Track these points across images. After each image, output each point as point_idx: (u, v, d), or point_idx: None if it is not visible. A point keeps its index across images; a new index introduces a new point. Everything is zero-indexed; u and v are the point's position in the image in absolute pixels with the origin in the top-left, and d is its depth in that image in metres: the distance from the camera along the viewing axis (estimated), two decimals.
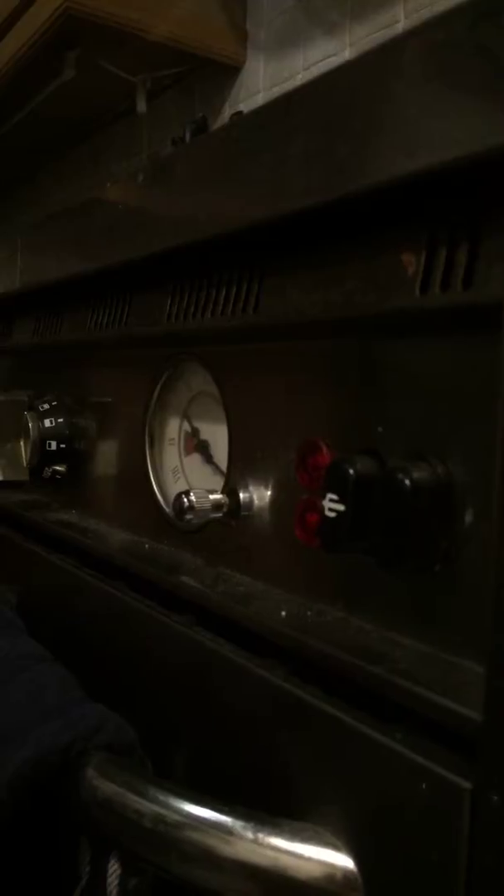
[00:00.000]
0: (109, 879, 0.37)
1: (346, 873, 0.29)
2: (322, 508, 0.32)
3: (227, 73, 1.38)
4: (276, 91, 1.30)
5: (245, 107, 1.36)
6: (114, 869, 0.37)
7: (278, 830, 0.31)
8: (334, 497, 0.32)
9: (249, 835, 0.31)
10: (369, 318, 0.30)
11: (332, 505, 0.32)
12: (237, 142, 0.33)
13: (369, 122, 0.28)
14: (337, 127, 0.29)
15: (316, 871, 0.30)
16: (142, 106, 1.46)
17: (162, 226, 0.39)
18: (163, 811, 0.33)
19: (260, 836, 0.31)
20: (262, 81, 1.33)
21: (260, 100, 1.34)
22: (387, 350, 0.31)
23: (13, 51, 1.40)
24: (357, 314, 0.30)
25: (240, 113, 1.31)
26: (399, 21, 1.09)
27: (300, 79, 1.26)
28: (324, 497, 0.32)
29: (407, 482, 0.29)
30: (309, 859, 0.30)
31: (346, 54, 1.18)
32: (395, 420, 0.31)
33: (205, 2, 1.31)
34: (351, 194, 0.29)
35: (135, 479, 0.50)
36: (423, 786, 0.26)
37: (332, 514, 0.32)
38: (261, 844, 0.31)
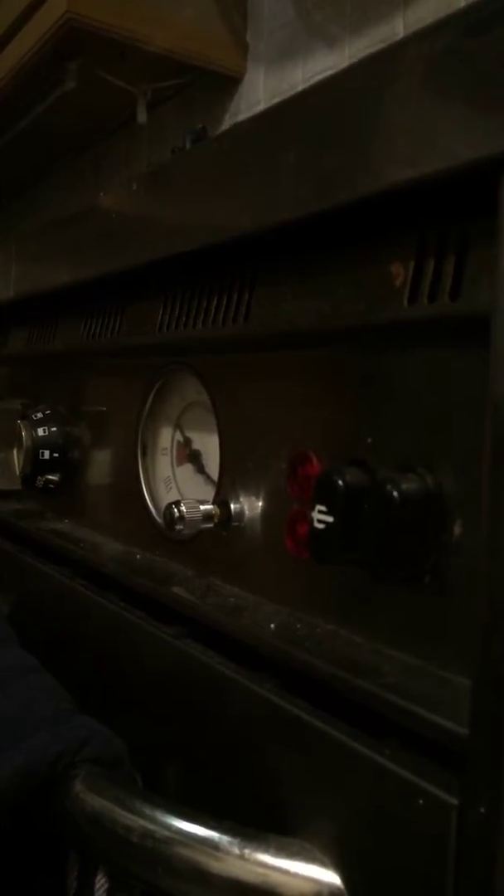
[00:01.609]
0: (97, 894, 0.37)
1: (332, 890, 0.29)
2: (312, 519, 0.32)
3: (227, 84, 1.39)
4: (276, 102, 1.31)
5: (245, 118, 1.37)
6: (101, 883, 0.37)
7: (265, 846, 0.30)
8: (323, 508, 0.31)
9: (236, 850, 0.30)
10: (358, 329, 0.30)
11: (321, 516, 0.31)
12: (229, 152, 0.33)
13: (359, 134, 0.28)
14: (327, 138, 0.29)
15: (303, 888, 0.30)
16: (142, 117, 1.47)
17: (155, 235, 0.39)
18: (151, 826, 0.33)
19: (247, 851, 0.30)
20: (263, 93, 1.34)
21: (260, 111, 1.35)
22: (376, 360, 0.31)
23: (14, 61, 1.41)
24: (346, 324, 0.30)
25: None
26: (398, 34, 1.10)
27: (300, 90, 1.27)
28: (313, 508, 0.32)
29: (396, 493, 0.29)
30: (296, 875, 0.30)
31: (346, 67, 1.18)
32: (384, 431, 0.31)
33: (206, 14, 1.32)
34: (340, 205, 0.29)
35: (127, 488, 0.49)
36: (410, 802, 0.26)
37: (322, 526, 0.31)
38: (248, 860, 0.30)
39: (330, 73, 1.25)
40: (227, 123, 1.39)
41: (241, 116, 1.38)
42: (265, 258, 0.34)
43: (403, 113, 0.26)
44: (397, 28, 1.11)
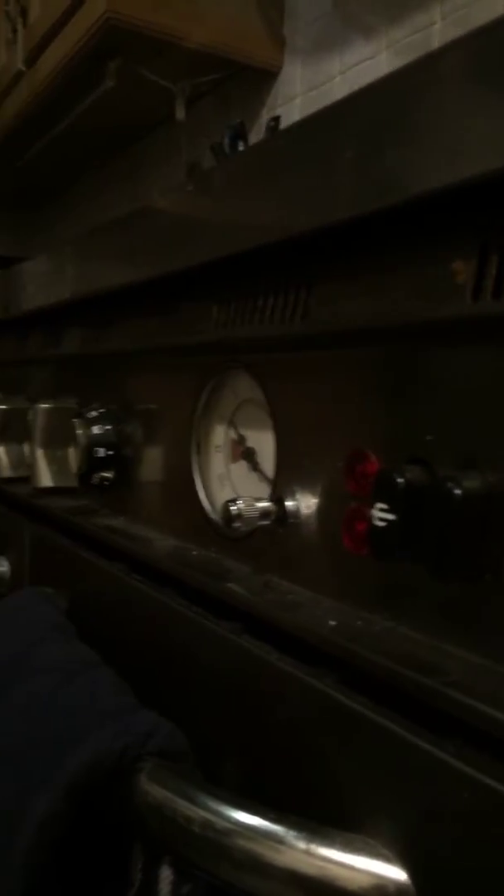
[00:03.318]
0: (161, 885, 0.38)
1: (398, 885, 0.29)
2: (371, 517, 0.32)
3: (264, 78, 1.38)
4: (314, 95, 1.30)
5: (282, 112, 1.36)
6: (166, 875, 0.37)
7: (329, 841, 0.31)
8: (384, 506, 0.32)
9: (301, 844, 0.31)
10: (419, 326, 0.30)
11: (381, 514, 0.32)
12: (285, 152, 0.33)
13: (419, 131, 0.28)
14: (386, 135, 0.29)
15: (368, 883, 0.30)
16: (181, 113, 1.47)
17: (211, 235, 0.39)
18: (211, 817, 0.33)
19: (312, 846, 0.31)
20: (300, 86, 1.33)
21: (297, 104, 1.35)
22: (436, 358, 0.31)
23: (55, 63, 1.43)
24: (407, 322, 0.30)
25: (277, 118, 1.31)
26: (436, 23, 1.08)
27: (337, 82, 1.26)
28: (373, 506, 0.32)
29: (458, 491, 0.29)
30: (361, 871, 0.30)
31: (383, 57, 1.17)
32: (444, 429, 0.31)
33: (243, 8, 1.32)
34: (400, 203, 0.29)
35: (181, 486, 0.50)
36: (476, 798, 0.26)
37: (382, 524, 0.31)
38: (312, 855, 0.31)
39: (367, 63, 1.24)
40: (264, 117, 1.39)
41: (278, 110, 1.38)
42: (323, 256, 0.34)
43: (465, 109, 0.26)
44: (434, 16, 1.10)
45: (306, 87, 1.34)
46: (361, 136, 0.29)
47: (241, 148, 1.28)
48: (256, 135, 1.41)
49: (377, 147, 0.29)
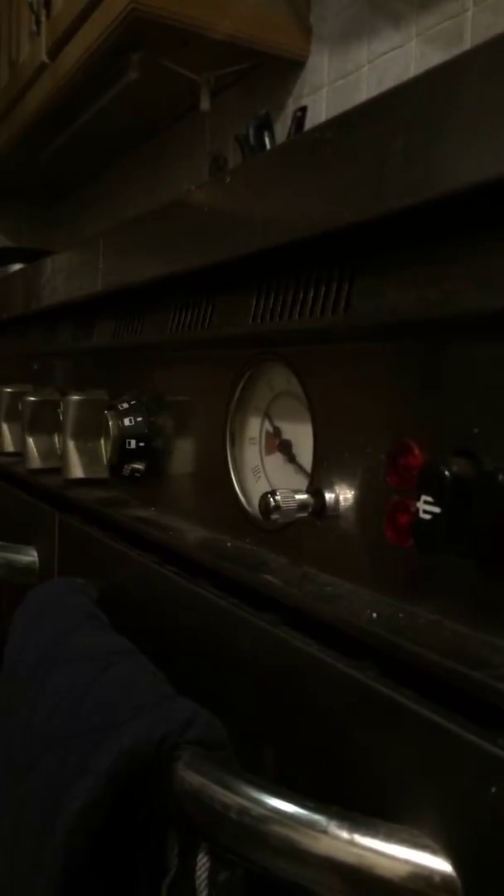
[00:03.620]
0: (198, 873, 0.38)
1: (444, 877, 0.29)
2: (415, 510, 0.32)
3: (290, 68, 1.38)
4: (341, 85, 1.29)
5: (309, 102, 1.36)
6: (203, 862, 0.38)
7: (371, 830, 0.31)
8: (429, 499, 0.31)
9: (342, 833, 0.31)
10: (470, 318, 0.30)
11: (427, 507, 0.31)
12: (331, 142, 0.33)
13: (469, 121, 0.27)
14: (436, 126, 0.28)
15: (409, 872, 0.30)
16: (205, 104, 1.47)
17: (250, 228, 0.39)
18: (250, 805, 0.33)
19: (352, 834, 0.31)
20: (327, 76, 1.32)
21: (324, 94, 1.34)
22: (484, 350, 0.31)
23: (79, 55, 1.43)
24: (457, 314, 0.30)
25: (304, 108, 1.30)
26: (468, 10, 1.07)
27: (365, 72, 1.25)
28: (417, 498, 0.32)
29: None
30: (402, 860, 0.30)
31: (413, 46, 1.16)
32: (491, 421, 0.31)
33: None
34: (447, 194, 0.28)
35: (215, 477, 0.50)
36: None
37: (428, 517, 0.31)
38: (352, 843, 0.31)
39: (396, 52, 1.23)
40: (290, 108, 1.38)
41: (305, 101, 1.37)
42: (367, 248, 0.34)
43: None
44: (466, 3, 1.08)
45: (334, 77, 1.32)
46: (414, 125, 0.29)
47: (266, 139, 1.27)
48: (282, 126, 1.40)
49: (430, 136, 0.28)
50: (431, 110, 0.29)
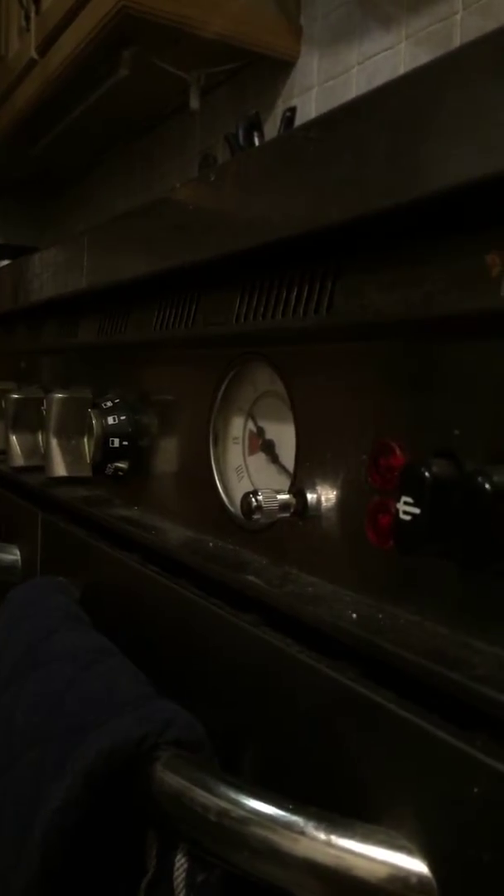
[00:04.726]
0: (176, 873, 0.38)
1: (420, 878, 0.29)
2: (395, 510, 0.32)
3: (280, 68, 1.38)
4: (330, 86, 1.29)
5: (298, 102, 1.36)
6: (181, 863, 0.37)
7: (349, 832, 0.31)
8: (409, 500, 0.31)
9: (319, 834, 0.31)
10: (451, 319, 0.30)
11: (407, 508, 0.31)
12: (315, 141, 0.33)
13: (454, 122, 0.27)
14: (420, 126, 0.28)
15: (387, 874, 0.30)
16: (195, 103, 1.47)
17: (234, 226, 0.39)
18: (229, 806, 0.33)
19: (330, 836, 0.31)
20: (317, 76, 1.32)
21: (314, 95, 1.34)
22: (466, 352, 0.31)
23: (68, 51, 1.42)
24: (438, 314, 0.30)
25: (293, 109, 1.30)
26: (458, 12, 1.07)
27: (354, 73, 1.25)
28: (398, 499, 0.32)
29: (488, 486, 0.29)
30: (380, 861, 0.30)
31: (403, 48, 1.16)
32: (472, 423, 0.31)
33: None
34: (431, 194, 0.28)
35: (198, 477, 0.50)
36: (502, 792, 0.26)
37: (408, 518, 0.31)
38: (330, 844, 0.31)
39: (386, 53, 1.23)
40: (279, 108, 1.38)
41: (294, 101, 1.37)
42: (350, 248, 0.34)
43: (502, 100, 0.25)
44: (456, 5, 1.08)
45: (323, 78, 1.32)
46: (396, 126, 0.29)
47: (255, 139, 1.27)
48: (271, 126, 1.40)
49: (412, 137, 0.28)
50: (415, 110, 0.29)
